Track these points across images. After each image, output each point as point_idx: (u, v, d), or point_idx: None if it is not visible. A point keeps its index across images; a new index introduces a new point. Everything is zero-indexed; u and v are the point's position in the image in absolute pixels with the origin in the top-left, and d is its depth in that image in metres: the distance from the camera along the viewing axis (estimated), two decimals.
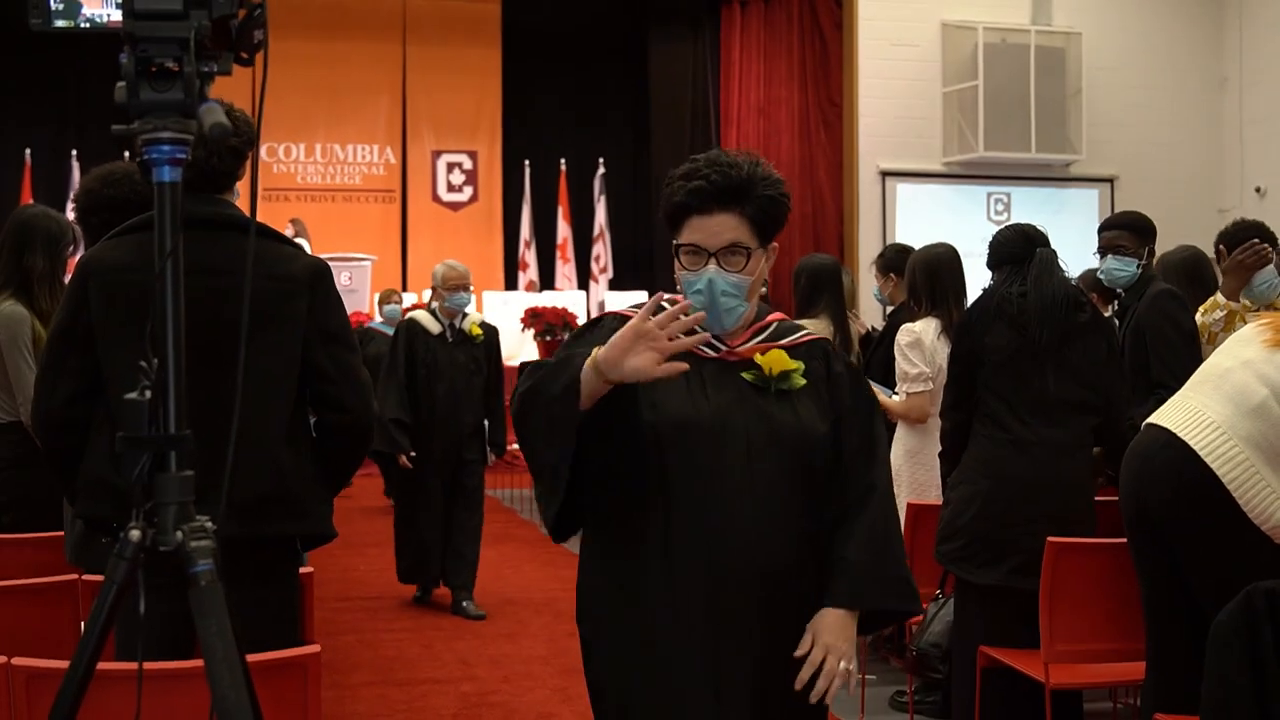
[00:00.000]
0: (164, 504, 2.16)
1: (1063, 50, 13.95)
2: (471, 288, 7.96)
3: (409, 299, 15.17)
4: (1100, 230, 5.67)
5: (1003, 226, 5.03)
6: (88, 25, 2.23)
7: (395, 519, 8.04)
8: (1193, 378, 3.88)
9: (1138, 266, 5.41)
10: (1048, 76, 13.83)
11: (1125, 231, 5.49)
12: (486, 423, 7.82)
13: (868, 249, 12.75)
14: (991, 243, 4.89)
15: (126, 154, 5.84)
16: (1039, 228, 4.89)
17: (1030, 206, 13.81)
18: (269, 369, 3.36)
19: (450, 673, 6.44)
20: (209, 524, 2.19)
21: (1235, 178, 13.94)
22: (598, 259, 15.86)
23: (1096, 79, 14.05)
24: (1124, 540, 4.05)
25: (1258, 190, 13.68)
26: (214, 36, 2.28)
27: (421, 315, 7.85)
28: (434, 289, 7.86)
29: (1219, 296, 5.34)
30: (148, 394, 2.14)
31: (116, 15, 2.18)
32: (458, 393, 7.65)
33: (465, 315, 7.82)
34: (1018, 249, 4.75)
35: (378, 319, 12.23)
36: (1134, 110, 14.19)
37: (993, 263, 4.84)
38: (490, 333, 7.98)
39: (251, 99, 2.70)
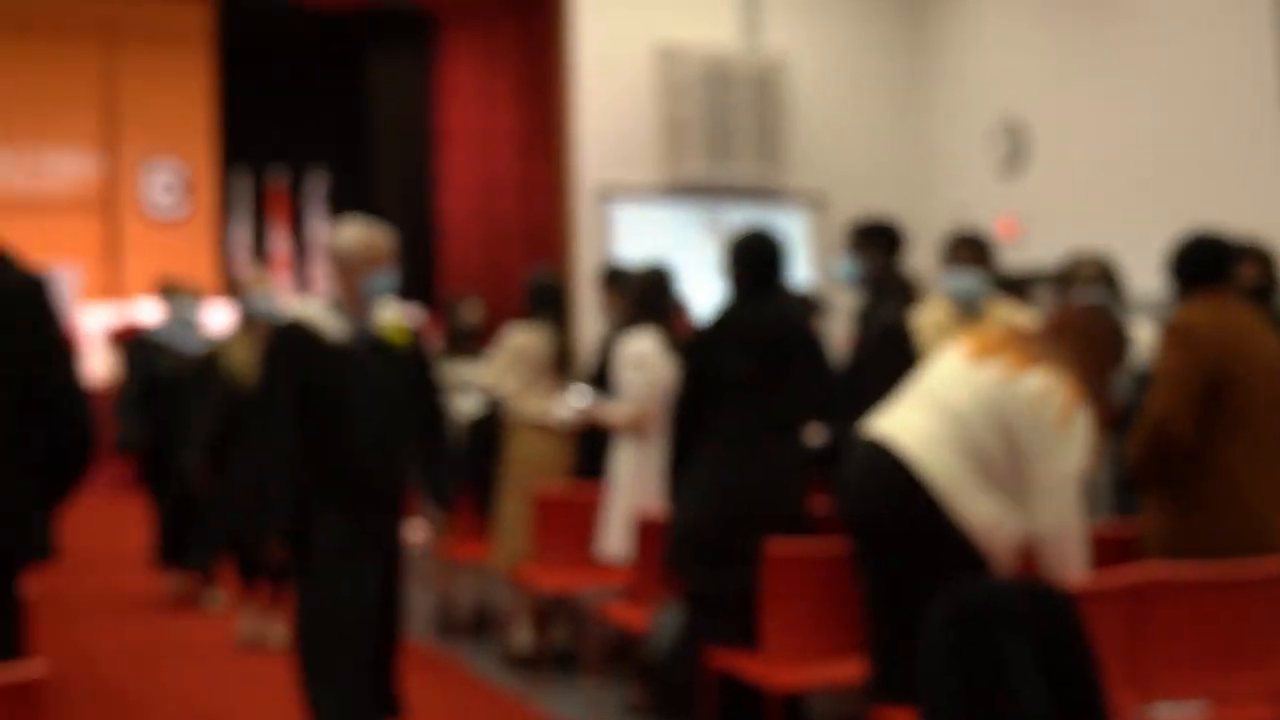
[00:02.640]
0: None
1: (775, 72, 14.35)
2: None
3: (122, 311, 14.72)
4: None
5: (746, 232, 5.09)
6: None
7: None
8: (907, 390, 4.09)
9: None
10: (760, 97, 14.22)
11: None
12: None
13: (588, 266, 12.89)
14: (734, 249, 5.01)
15: None
16: (770, 237, 5.02)
17: (745, 224, 14.12)
18: None
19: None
20: None
21: (936, 199, 14.57)
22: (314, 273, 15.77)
23: (806, 100, 14.51)
24: (842, 542, 4.24)
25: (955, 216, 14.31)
26: None
27: (314, 313, 4.68)
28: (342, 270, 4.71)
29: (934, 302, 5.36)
30: None
31: None
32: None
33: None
34: (756, 265, 4.93)
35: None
36: (842, 130, 14.70)
37: (729, 273, 4.98)
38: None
39: None
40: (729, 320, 4.91)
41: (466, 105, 15.40)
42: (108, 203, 16.18)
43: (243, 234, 15.84)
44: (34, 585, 4.00)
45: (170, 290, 8.53)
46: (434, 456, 4.89)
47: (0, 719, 2.80)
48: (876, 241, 5.63)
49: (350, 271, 4.62)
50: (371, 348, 4.63)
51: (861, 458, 4.00)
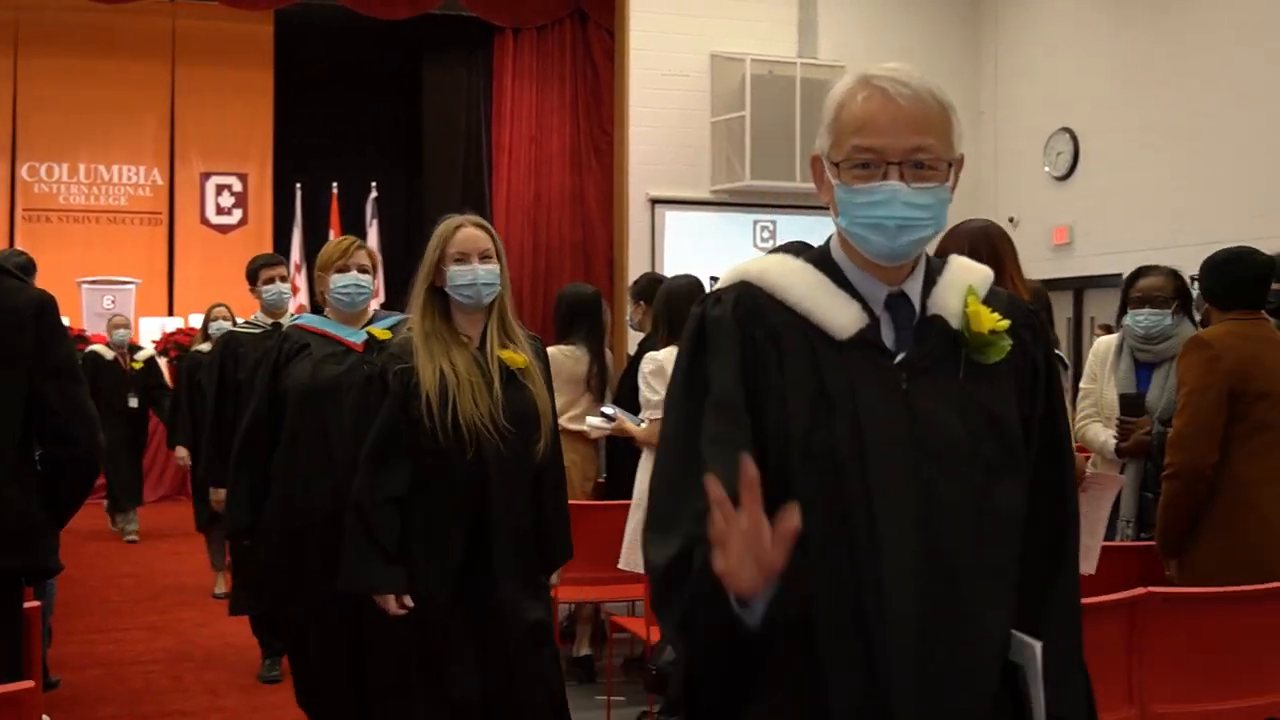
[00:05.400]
0: None
1: (827, 82, 14.28)
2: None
3: (174, 323, 14.87)
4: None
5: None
6: None
7: None
8: None
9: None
10: (813, 107, 14.17)
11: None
12: None
13: (638, 271, 12.92)
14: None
15: None
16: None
17: (795, 233, 14.08)
18: None
19: (198, 704, 6.34)
20: None
21: (990, 208, 14.45)
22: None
23: None
24: None
25: (1011, 220, 14.20)
26: None
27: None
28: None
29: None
30: None
31: None
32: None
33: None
34: None
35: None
36: None
37: None
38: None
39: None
40: None
41: (521, 116, 15.43)
42: (167, 213, 16.36)
43: (298, 245, 15.93)
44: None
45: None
46: None
47: None
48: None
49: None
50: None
51: None
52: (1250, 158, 11.36)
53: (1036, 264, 12.96)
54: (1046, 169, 14.15)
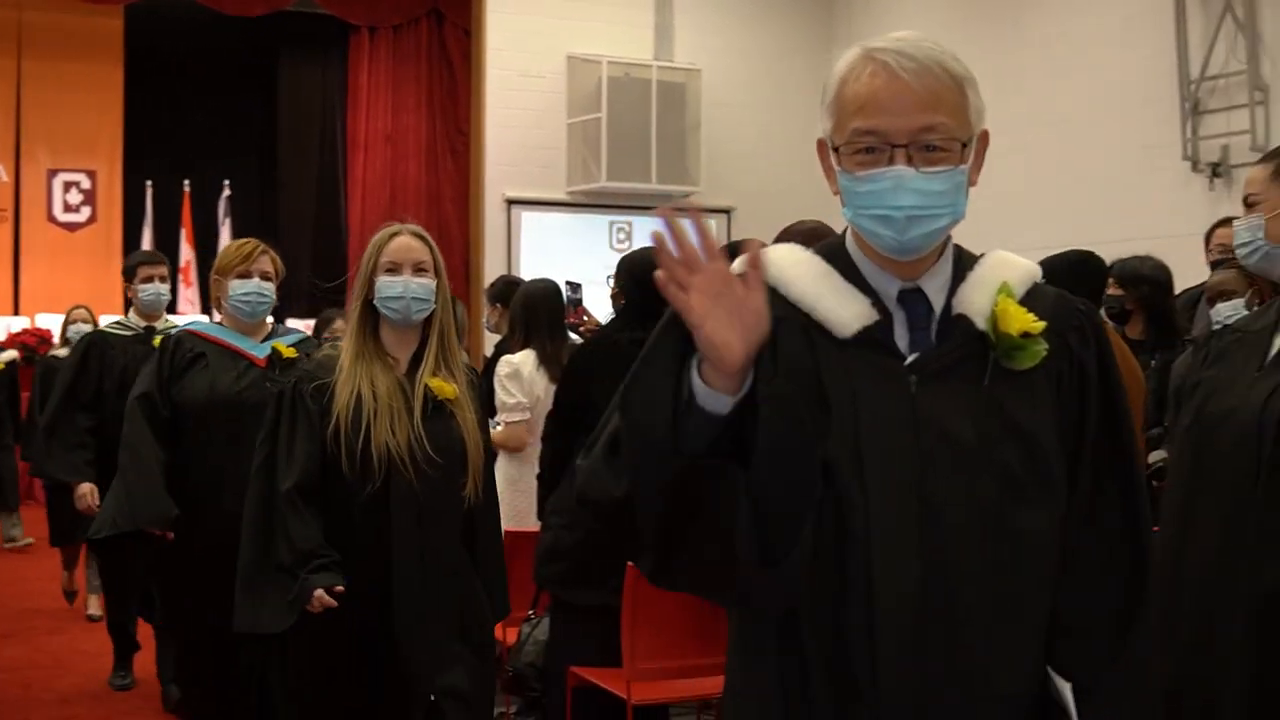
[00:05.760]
0: None
1: (683, 85, 14.44)
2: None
3: (20, 323, 14.56)
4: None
5: (636, 252, 5.02)
6: None
7: None
8: None
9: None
10: (669, 110, 14.29)
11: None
12: None
13: (493, 277, 12.93)
14: (620, 269, 5.04)
15: None
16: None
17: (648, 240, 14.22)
18: None
19: (50, 713, 6.27)
20: None
21: (836, 207, 14.70)
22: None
23: (715, 113, 14.59)
24: None
25: None
26: None
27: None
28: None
29: None
30: None
31: None
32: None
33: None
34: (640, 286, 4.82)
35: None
36: (751, 144, 14.79)
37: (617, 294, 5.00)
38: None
39: None
40: (604, 343, 4.93)
41: (377, 115, 15.36)
42: (13, 211, 16.00)
43: (148, 243, 15.67)
44: None
45: None
46: None
47: None
48: None
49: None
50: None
51: None
52: (1106, 166, 11.69)
53: None
54: None
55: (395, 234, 3.82)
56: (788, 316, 1.90)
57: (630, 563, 4.23)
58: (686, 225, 1.68)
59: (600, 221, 14.50)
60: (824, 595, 1.84)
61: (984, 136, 1.97)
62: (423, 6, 15.35)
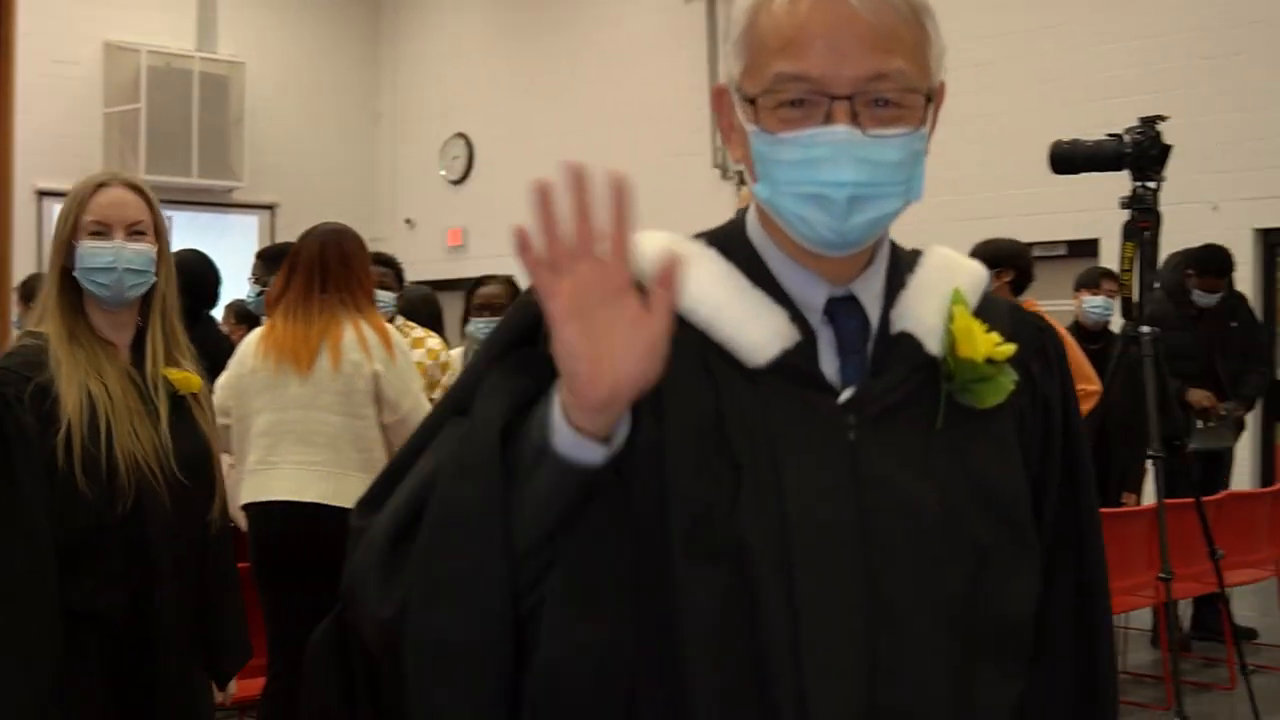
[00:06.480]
0: None
1: (227, 78, 14.17)
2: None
3: None
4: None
5: (180, 253, 4.99)
6: None
7: None
8: None
9: None
10: (212, 103, 14.01)
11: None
12: None
13: (22, 270, 12.35)
14: None
15: None
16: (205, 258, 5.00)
17: (193, 231, 13.88)
18: None
19: None
20: None
21: (388, 209, 14.79)
22: None
23: (259, 108, 14.39)
24: None
25: (408, 222, 14.59)
26: None
27: None
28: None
29: None
30: None
31: None
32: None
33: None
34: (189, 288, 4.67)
35: None
36: (295, 140, 14.66)
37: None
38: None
39: None
40: None
41: None
42: None
43: None
44: None
45: None
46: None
47: None
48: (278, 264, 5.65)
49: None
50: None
51: None
52: (639, 167, 12.19)
53: (432, 265, 13.36)
54: (443, 173, 14.60)
55: (102, 184, 3.00)
56: (678, 341, 1.24)
57: None
58: (599, 189, 1.24)
59: None
60: None
61: (942, 89, 1.40)
62: None
